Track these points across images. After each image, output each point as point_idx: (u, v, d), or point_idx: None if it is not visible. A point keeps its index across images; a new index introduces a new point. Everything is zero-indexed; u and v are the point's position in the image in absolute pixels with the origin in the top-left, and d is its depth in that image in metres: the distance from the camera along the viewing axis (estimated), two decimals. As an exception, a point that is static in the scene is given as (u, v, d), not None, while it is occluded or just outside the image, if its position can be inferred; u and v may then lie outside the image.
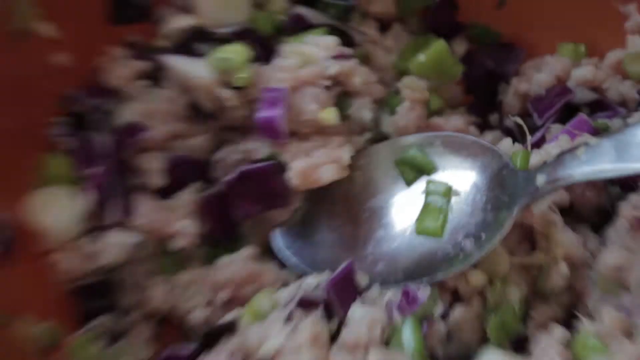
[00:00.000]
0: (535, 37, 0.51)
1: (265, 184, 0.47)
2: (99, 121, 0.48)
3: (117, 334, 0.47)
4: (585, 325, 0.42)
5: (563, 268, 0.45)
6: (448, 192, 0.45)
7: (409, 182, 0.47)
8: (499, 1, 0.52)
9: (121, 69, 0.49)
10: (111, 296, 0.48)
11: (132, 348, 0.47)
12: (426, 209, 0.45)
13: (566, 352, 0.41)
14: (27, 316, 0.44)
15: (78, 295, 0.47)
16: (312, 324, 0.42)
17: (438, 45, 0.50)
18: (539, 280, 0.46)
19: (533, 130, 0.49)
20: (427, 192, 0.46)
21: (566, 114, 0.48)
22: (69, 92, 0.48)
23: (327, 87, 0.47)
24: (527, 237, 0.46)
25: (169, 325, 0.49)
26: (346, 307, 0.43)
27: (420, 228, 0.45)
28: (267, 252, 0.48)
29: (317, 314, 0.43)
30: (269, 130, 0.46)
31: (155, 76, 0.50)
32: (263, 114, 0.46)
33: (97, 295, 0.48)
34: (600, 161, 0.41)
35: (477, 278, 0.44)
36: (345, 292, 0.44)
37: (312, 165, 0.46)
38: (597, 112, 0.48)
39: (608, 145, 0.41)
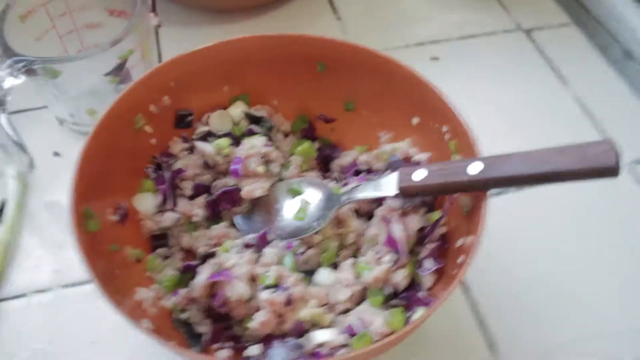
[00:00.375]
0: (346, 141, 0.71)
1: (232, 196, 0.65)
2: (166, 167, 0.65)
3: (166, 256, 0.63)
4: (360, 258, 0.59)
5: (351, 236, 0.62)
6: (303, 203, 0.63)
7: (293, 197, 0.64)
8: (331, 129, 0.72)
9: (177, 146, 0.66)
10: (165, 240, 0.64)
11: (173, 262, 0.63)
12: (298, 208, 0.63)
13: (353, 269, 0.58)
14: (129, 246, 0.60)
15: (151, 238, 0.63)
16: (249, 254, 0.59)
17: (307, 143, 0.69)
18: (342, 240, 0.62)
19: (343, 180, 0.67)
20: (300, 201, 0.63)
21: (356, 173, 0.66)
22: (155, 154, 0.66)
23: (261, 157, 0.64)
24: (338, 221, 0.62)
25: (188, 253, 0.64)
26: (263, 247, 0.60)
27: (295, 217, 0.63)
28: (232, 225, 0.65)
29: (251, 250, 0.60)
30: (235, 174, 0.63)
31: (191, 149, 0.66)
32: (233, 167, 0.64)
33: (160, 239, 0.64)
34: (366, 191, 0.58)
35: (318, 237, 0.61)
36: (263, 242, 0.61)
37: (252, 188, 0.63)
38: (369, 173, 0.66)
39: (371, 184, 0.58)
